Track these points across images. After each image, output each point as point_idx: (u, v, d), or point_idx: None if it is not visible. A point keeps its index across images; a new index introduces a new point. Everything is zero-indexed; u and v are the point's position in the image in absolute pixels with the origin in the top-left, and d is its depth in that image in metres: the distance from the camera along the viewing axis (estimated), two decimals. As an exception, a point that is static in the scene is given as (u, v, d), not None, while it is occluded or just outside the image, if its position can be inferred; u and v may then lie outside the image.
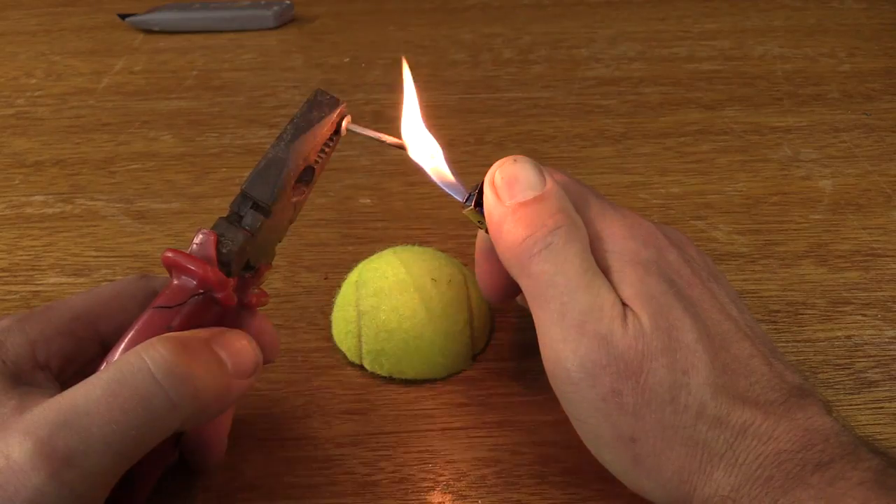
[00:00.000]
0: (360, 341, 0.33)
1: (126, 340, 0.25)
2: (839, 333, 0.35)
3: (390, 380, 0.33)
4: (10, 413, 0.22)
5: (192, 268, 0.25)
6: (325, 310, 0.36)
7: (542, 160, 0.48)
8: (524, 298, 0.30)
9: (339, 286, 0.35)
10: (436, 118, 0.53)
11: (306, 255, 0.40)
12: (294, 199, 0.29)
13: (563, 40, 0.65)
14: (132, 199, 0.46)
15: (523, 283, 0.26)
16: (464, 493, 0.29)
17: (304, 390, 0.33)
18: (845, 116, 0.52)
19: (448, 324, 0.32)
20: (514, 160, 0.27)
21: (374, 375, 0.33)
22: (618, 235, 0.26)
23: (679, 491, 0.24)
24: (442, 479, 0.29)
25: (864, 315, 0.36)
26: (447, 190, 0.29)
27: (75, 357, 0.26)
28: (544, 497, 0.28)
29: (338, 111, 0.28)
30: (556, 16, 0.70)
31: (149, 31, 0.68)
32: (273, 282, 0.39)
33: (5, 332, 0.25)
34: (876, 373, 0.33)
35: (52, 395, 0.23)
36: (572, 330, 0.24)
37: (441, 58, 0.62)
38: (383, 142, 0.30)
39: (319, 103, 0.28)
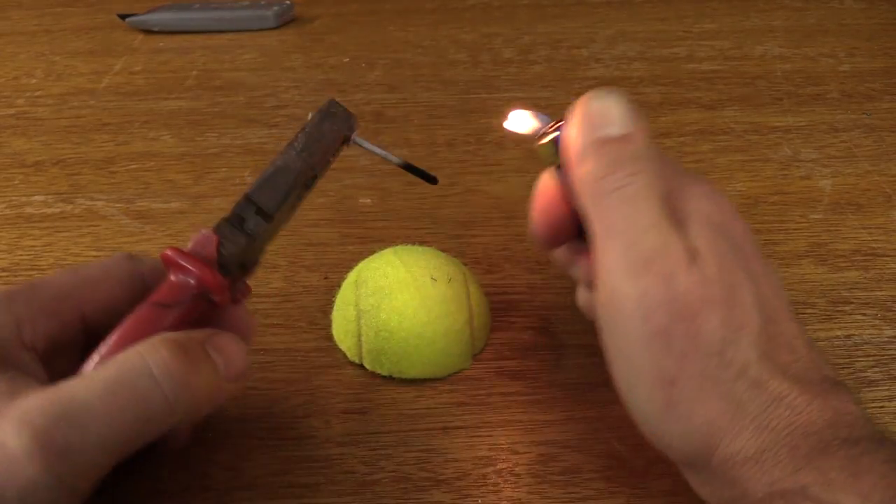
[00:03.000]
0: (360, 341, 0.33)
1: (120, 334, 0.25)
2: (839, 333, 0.35)
3: (390, 379, 0.33)
4: (2, 397, 0.22)
5: (193, 269, 0.25)
6: (325, 310, 0.36)
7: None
8: (570, 249, 0.30)
9: (339, 286, 0.35)
10: (436, 118, 0.53)
11: (306, 255, 0.40)
12: (298, 202, 0.29)
13: (563, 40, 0.65)
14: (132, 199, 0.46)
15: (594, 216, 0.25)
16: (464, 492, 0.29)
17: (304, 390, 0.33)
18: (845, 116, 0.52)
19: (448, 323, 0.32)
20: (609, 93, 0.26)
21: (374, 375, 0.33)
22: (694, 195, 0.26)
23: (704, 443, 0.24)
24: (442, 478, 0.29)
25: (864, 315, 0.36)
26: (527, 123, 0.28)
27: (59, 338, 0.25)
28: (544, 496, 0.28)
29: (350, 125, 0.28)
30: (556, 16, 0.70)
31: (149, 31, 0.68)
32: (273, 282, 0.39)
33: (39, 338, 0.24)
34: (875, 372, 0.33)
35: (40, 379, 0.23)
36: (638, 265, 0.24)
37: (441, 58, 0.62)
38: (388, 159, 0.29)
39: (332, 115, 0.28)
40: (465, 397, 0.32)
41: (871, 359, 0.34)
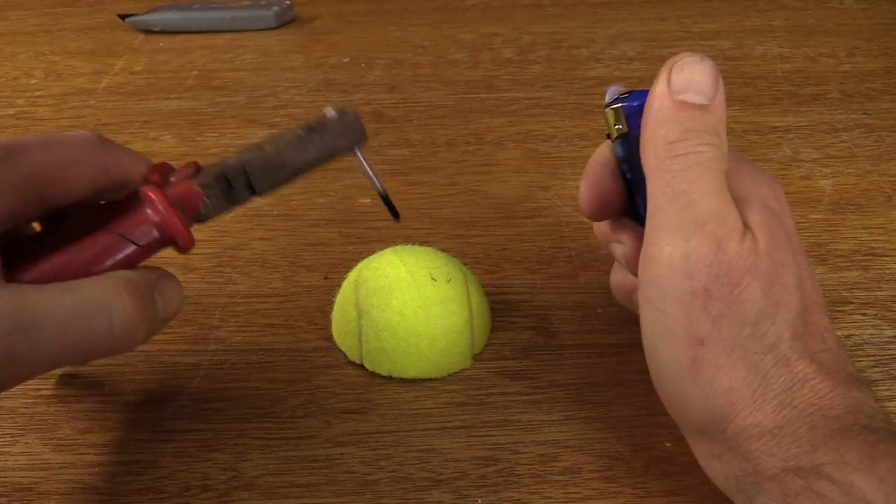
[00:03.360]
0: (360, 340, 0.33)
1: (83, 251, 0.25)
2: (839, 333, 0.35)
3: (390, 379, 0.33)
4: None
5: (171, 223, 0.26)
6: (325, 310, 0.36)
7: (542, 160, 0.48)
8: (615, 225, 0.31)
9: (339, 286, 0.35)
10: (436, 118, 0.53)
11: (306, 255, 0.40)
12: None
13: (563, 40, 0.65)
14: (132, 198, 0.46)
15: (656, 177, 0.25)
16: (464, 492, 0.29)
17: (304, 390, 0.33)
18: (845, 116, 0.52)
19: (448, 322, 0.32)
20: (701, 59, 0.26)
21: (374, 375, 0.33)
22: (755, 179, 0.27)
23: (722, 410, 0.24)
24: (442, 478, 0.29)
25: (864, 314, 0.36)
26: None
27: (17, 215, 0.25)
28: (544, 496, 0.28)
29: (362, 142, 0.29)
30: (556, 16, 0.70)
31: (149, 31, 0.68)
32: (273, 282, 0.39)
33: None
34: (876, 372, 0.33)
35: None
36: (691, 224, 0.24)
37: (441, 58, 0.62)
38: (373, 183, 0.30)
39: (352, 131, 0.28)
40: (465, 397, 0.32)
41: (871, 359, 0.34)
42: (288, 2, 0.70)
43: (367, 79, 0.59)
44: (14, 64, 0.63)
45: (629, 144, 0.28)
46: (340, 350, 0.34)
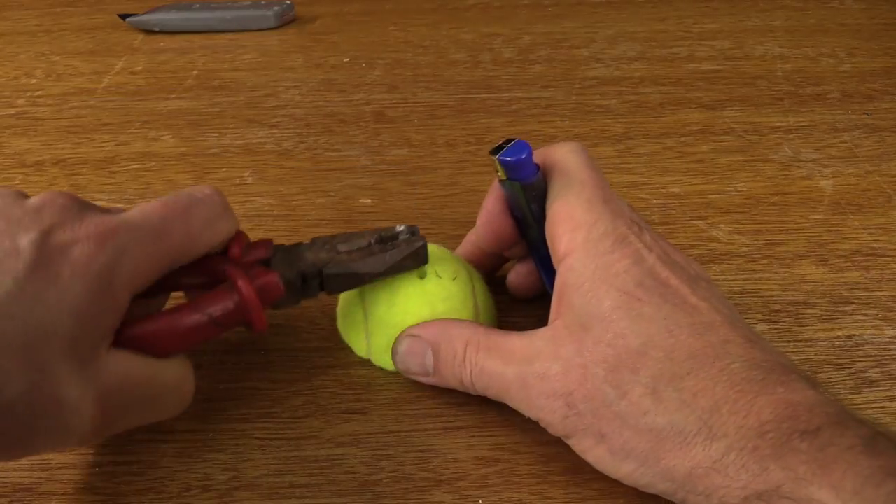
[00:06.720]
0: (366, 337, 0.33)
1: (175, 326, 0.27)
2: (840, 333, 0.35)
3: (391, 379, 0.33)
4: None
5: (253, 311, 0.28)
6: (325, 310, 0.36)
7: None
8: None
9: None
10: (436, 118, 0.53)
11: (307, 255, 0.40)
12: None
13: (563, 40, 0.65)
14: (132, 199, 0.46)
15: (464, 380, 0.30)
16: (465, 492, 0.29)
17: (305, 390, 0.33)
18: (845, 116, 0.52)
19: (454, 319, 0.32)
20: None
21: (374, 375, 0.33)
22: (575, 261, 0.28)
23: (660, 469, 0.24)
24: (443, 478, 0.29)
25: (865, 315, 0.36)
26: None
27: (152, 284, 0.27)
28: (545, 496, 0.28)
29: (422, 264, 0.32)
30: (556, 16, 0.70)
31: (149, 31, 0.68)
32: (273, 281, 0.39)
33: (121, 252, 0.25)
34: (876, 372, 0.33)
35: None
36: (526, 378, 0.27)
37: (441, 58, 0.62)
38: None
39: (418, 256, 0.31)
40: (465, 397, 0.32)
41: (871, 359, 0.34)
42: (288, 2, 0.70)
43: (368, 79, 0.59)
44: (14, 64, 0.63)
45: (509, 188, 0.31)
46: (345, 347, 0.34)
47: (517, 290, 0.36)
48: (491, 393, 0.29)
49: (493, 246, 0.34)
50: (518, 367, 0.27)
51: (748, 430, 0.23)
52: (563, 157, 0.30)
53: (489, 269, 0.36)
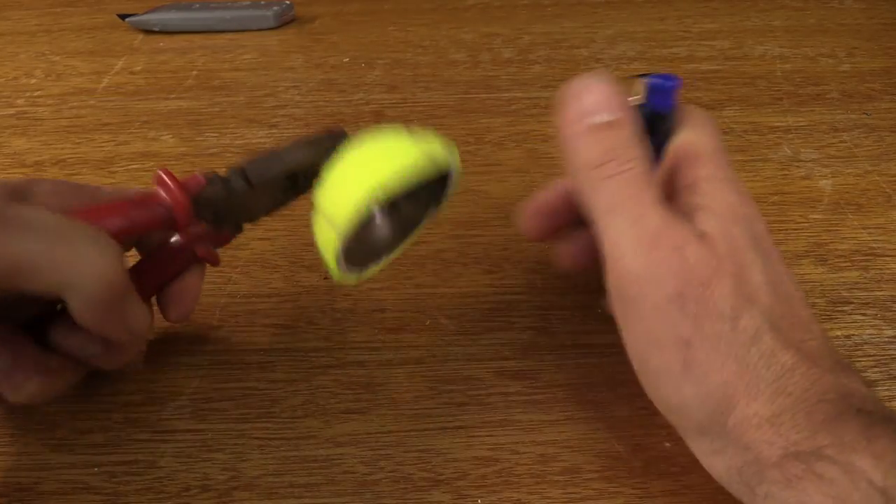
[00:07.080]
0: (336, 240, 0.29)
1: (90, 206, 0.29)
2: (839, 333, 0.35)
3: (391, 379, 0.33)
4: None
5: (172, 189, 0.29)
6: (325, 310, 0.36)
7: (542, 160, 0.48)
8: (563, 250, 0.33)
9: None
10: (436, 118, 0.53)
11: (306, 255, 0.40)
12: (280, 196, 0.32)
13: (563, 40, 0.65)
14: (132, 198, 0.46)
15: (595, 199, 0.26)
16: (464, 491, 0.29)
17: (304, 390, 0.33)
18: (845, 116, 0.52)
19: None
20: (591, 77, 0.26)
21: (373, 374, 0.33)
22: (720, 189, 0.27)
23: (719, 405, 0.24)
24: (442, 478, 0.29)
25: (864, 315, 0.36)
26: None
27: None
28: (544, 496, 0.28)
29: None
30: (556, 16, 0.70)
31: (149, 31, 0.68)
32: (273, 282, 0.39)
33: (48, 195, 0.28)
34: (876, 372, 0.33)
35: None
36: (645, 239, 0.25)
37: (441, 58, 0.62)
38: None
39: (333, 134, 0.32)
40: (464, 397, 0.32)
41: (871, 359, 0.34)
42: (288, 2, 0.70)
43: (367, 79, 0.59)
44: (14, 64, 0.63)
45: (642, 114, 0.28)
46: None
47: (567, 260, 0.33)
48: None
49: (544, 237, 0.33)
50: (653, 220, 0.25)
51: (811, 395, 0.23)
52: (698, 114, 0.31)
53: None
